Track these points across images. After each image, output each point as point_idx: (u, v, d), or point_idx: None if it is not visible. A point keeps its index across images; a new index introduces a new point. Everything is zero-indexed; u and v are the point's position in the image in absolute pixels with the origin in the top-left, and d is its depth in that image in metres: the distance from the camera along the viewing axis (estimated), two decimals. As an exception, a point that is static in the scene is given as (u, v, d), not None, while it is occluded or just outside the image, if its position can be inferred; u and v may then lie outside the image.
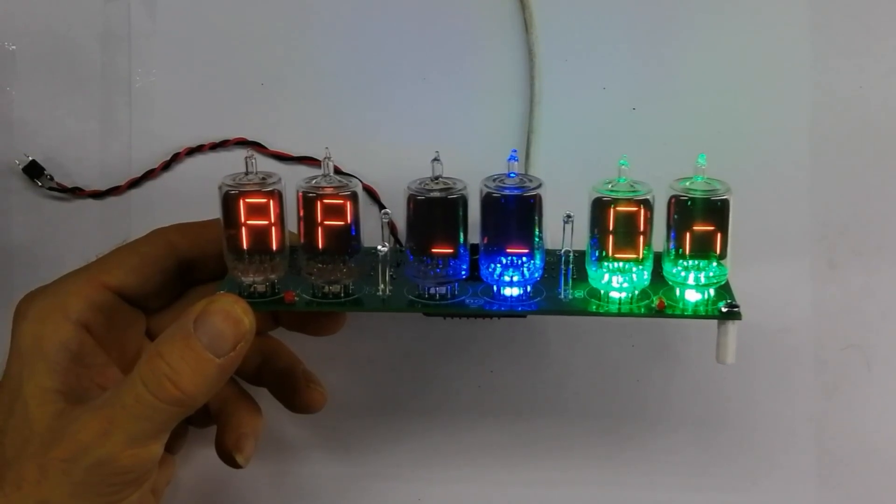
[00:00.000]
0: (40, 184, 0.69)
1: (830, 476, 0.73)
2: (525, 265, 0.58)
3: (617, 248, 0.58)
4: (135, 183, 0.70)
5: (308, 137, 0.69)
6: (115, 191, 0.70)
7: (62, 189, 0.70)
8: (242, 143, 0.69)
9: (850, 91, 0.69)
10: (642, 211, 0.57)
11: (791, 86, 0.69)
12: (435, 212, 0.58)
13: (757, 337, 0.70)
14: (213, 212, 0.59)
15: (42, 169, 0.69)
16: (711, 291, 0.59)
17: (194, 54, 0.69)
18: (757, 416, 0.72)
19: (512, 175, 0.58)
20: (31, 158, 0.69)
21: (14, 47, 0.70)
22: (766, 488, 0.73)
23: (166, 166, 0.70)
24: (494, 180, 0.58)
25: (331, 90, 0.69)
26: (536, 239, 0.58)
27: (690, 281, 0.58)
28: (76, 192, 0.70)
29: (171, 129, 0.70)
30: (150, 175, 0.70)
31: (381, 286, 0.59)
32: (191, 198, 0.68)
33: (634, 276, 0.58)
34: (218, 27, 0.69)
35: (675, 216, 0.58)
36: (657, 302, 0.59)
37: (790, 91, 0.69)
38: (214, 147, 0.69)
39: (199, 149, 0.69)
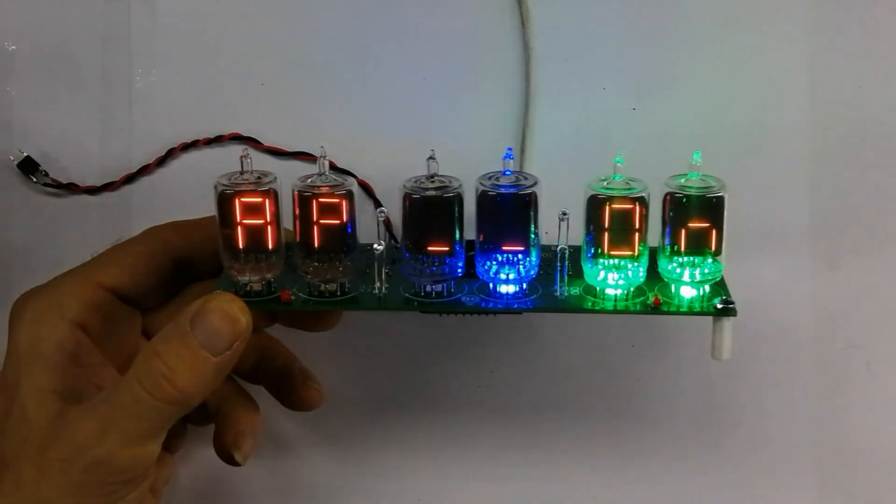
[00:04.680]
0: (35, 180, 0.70)
1: (830, 476, 0.73)
2: (521, 262, 0.58)
3: (612, 246, 0.58)
4: (130, 178, 0.70)
5: (303, 133, 0.69)
6: (110, 186, 0.70)
7: (57, 185, 0.70)
8: (237, 138, 0.69)
9: (850, 91, 0.69)
10: (637, 208, 0.57)
11: (791, 85, 0.69)
12: (430, 210, 0.58)
13: (757, 337, 0.70)
14: (209, 207, 0.59)
15: (37, 165, 0.69)
16: (707, 288, 0.59)
17: (194, 54, 0.70)
18: (757, 416, 0.72)
19: (507, 173, 0.58)
20: (25, 154, 0.69)
21: (14, 47, 0.70)
22: (766, 488, 0.73)
23: (161, 161, 0.70)
24: (490, 178, 0.58)
25: (325, 85, 0.69)
26: (532, 236, 0.58)
27: (686, 277, 0.58)
28: (71, 188, 0.70)
29: (171, 129, 0.70)
30: (145, 170, 0.70)
31: (377, 284, 0.59)
32: (186, 193, 0.69)
33: (630, 272, 0.58)
34: (217, 26, 0.69)
35: (671, 213, 0.58)
36: (653, 299, 0.59)
37: (790, 91, 0.69)
38: (209, 142, 0.69)
39: (194, 144, 0.69)
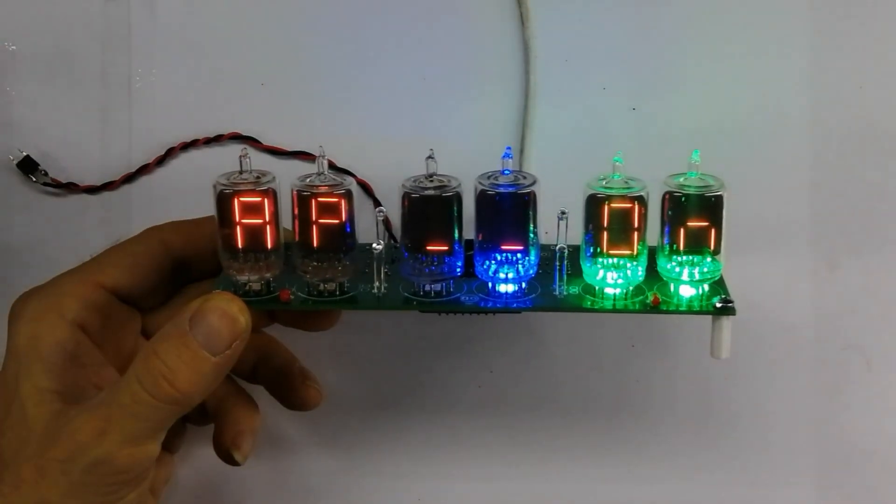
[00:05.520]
0: (35, 179, 0.70)
1: (830, 476, 0.73)
2: (520, 262, 0.58)
3: (611, 245, 0.58)
4: (129, 178, 0.70)
5: (303, 132, 0.69)
6: (109, 186, 0.70)
7: (57, 185, 0.70)
8: (237, 138, 0.69)
9: (850, 91, 0.69)
10: (636, 207, 0.57)
11: (791, 85, 0.69)
12: (430, 210, 0.58)
13: (757, 337, 0.70)
14: (208, 206, 0.59)
15: (36, 164, 0.69)
16: (706, 287, 0.59)
17: (194, 54, 0.70)
18: (757, 415, 0.72)
19: (506, 172, 0.58)
20: (24, 154, 0.69)
21: (14, 47, 0.70)
22: (765, 488, 0.73)
23: (161, 161, 0.70)
24: (489, 177, 0.58)
25: (325, 85, 0.69)
26: (531, 236, 0.58)
27: (685, 277, 0.58)
28: (71, 188, 0.70)
29: (170, 128, 0.70)
30: (144, 170, 0.70)
31: (377, 284, 0.59)
32: (186, 193, 0.68)
33: (629, 272, 0.58)
34: (217, 26, 0.69)
35: (670, 212, 0.58)
36: (652, 298, 0.59)
37: (790, 91, 0.69)
38: (209, 142, 0.69)
39: (193, 143, 0.70)
